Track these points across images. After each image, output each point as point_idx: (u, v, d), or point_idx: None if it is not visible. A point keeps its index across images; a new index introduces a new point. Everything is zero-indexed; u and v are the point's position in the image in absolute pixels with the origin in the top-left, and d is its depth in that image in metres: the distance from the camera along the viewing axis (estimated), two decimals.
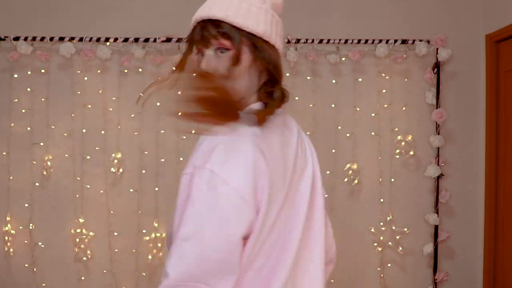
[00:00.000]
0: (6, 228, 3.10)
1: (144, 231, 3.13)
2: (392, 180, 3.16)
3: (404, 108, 3.17)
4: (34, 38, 3.04)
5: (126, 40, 3.06)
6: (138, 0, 3.18)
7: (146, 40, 3.06)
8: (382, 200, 3.16)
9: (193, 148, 1.11)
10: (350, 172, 3.13)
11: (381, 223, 3.14)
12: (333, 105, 3.15)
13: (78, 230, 3.11)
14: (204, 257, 0.98)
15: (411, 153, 3.15)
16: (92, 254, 3.13)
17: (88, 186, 3.13)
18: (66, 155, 3.13)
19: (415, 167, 3.19)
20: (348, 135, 3.11)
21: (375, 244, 3.16)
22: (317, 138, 2.95)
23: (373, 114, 3.16)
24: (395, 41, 3.09)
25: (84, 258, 3.12)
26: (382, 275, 3.17)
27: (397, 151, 3.15)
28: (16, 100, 3.12)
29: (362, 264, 3.19)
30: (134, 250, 3.12)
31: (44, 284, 3.13)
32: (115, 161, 3.11)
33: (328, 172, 3.11)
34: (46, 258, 3.13)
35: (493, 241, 3.09)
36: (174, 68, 1.18)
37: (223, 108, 1.03)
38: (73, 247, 3.12)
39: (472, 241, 3.20)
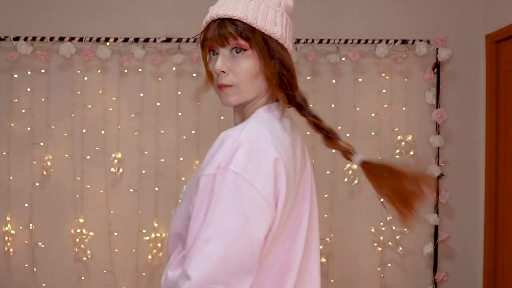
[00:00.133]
0: (6, 228, 3.10)
1: (144, 231, 3.13)
2: None
3: (404, 108, 3.17)
4: (34, 38, 3.04)
5: (126, 40, 3.06)
6: (138, 0, 3.18)
7: (146, 40, 3.06)
8: (382, 200, 3.15)
9: (208, 146, 1.10)
10: (350, 172, 3.13)
11: (381, 223, 3.14)
12: (333, 105, 3.15)
13: (78, 230, 3.11)
14: (227, 258, 0.97)
15: (411, 153, 3.15)
16: (92, 254, 3.13)
17: (88, 186, 3.13)
18: (66, 155, 3.13)
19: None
20: (348, 135, 3.11)
21: (375, 244, 3.16)
22: (317, 138, 2.94)
23: (373, 114, 3.16)
24: (395, 41, 3.08)
25: (84, 258, 3.12)
26: (382, 275, 3.17)
27: (397, 151, 3.15)
28: (16, 100, 3.12)
29: (362, 264, 3.18)
30: (134, 250, 3.12)
31: (44, 284, 3.13)
32: (115, 161, 3.11)
33: (328, 172, 3.12)
34: (46, 258, 3.13)
35: (493, 241, 3.09)
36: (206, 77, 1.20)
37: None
38: (73, 247, 3.12)
39: (472, 241, 3.20)
